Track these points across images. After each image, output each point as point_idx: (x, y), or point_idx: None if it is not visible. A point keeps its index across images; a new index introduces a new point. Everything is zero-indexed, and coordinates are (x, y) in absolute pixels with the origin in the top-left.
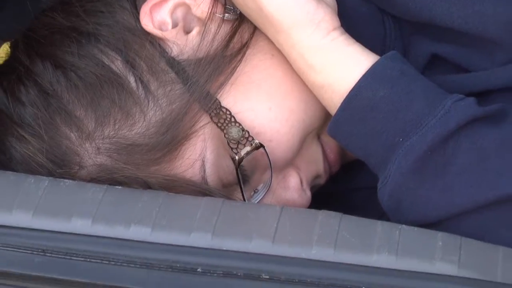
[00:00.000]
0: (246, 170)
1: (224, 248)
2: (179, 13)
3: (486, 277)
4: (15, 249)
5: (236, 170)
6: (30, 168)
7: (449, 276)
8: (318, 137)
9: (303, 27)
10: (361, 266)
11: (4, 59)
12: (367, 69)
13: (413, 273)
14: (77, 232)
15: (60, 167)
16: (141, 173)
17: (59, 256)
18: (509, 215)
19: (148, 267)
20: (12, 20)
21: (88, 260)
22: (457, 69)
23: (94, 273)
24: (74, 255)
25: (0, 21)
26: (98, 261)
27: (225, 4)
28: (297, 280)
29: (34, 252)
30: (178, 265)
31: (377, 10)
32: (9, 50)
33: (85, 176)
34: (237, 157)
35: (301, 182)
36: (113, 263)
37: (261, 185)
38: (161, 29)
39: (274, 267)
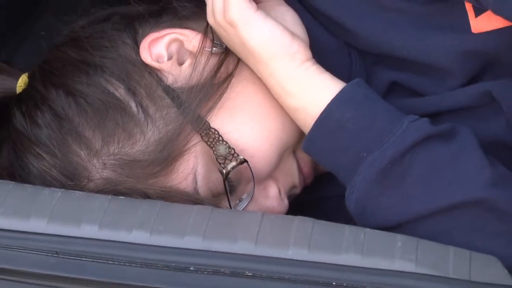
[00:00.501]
0: (232, 181)
1: (213, 250)
2: (174, 47)
3: (439, 273)
4: (32, 252)
5: (224, 182)
6: (45, 181)
7: (408, 272)
8: (294, 153)
9: (280, 58)
10: (332, 264)
11: (23, 87)
12: (335, 94)
13: (376, 270)
14: (86, 237)
15: (71, 180)
16: (141, 185)
17: (71, 257)
18: (459, 219)
19: (147, 267)
20: (30, 55)
21: (96, 261)
22: (413, 94)
23: (101, 272)
24: (84, 256)
25: (20, 56)
26: (104, 261)
27: (213, 39)
28: (276, 277)
29: (49, 254)
30: (173, 265)
31: (344, 44)
32: (27, 80)
33: (93, 188)
34: (224, 171)
35: (280, 192)
36: (117, 263)
37: (245, 194)
38: (158, 61)
39: (256, 265)
